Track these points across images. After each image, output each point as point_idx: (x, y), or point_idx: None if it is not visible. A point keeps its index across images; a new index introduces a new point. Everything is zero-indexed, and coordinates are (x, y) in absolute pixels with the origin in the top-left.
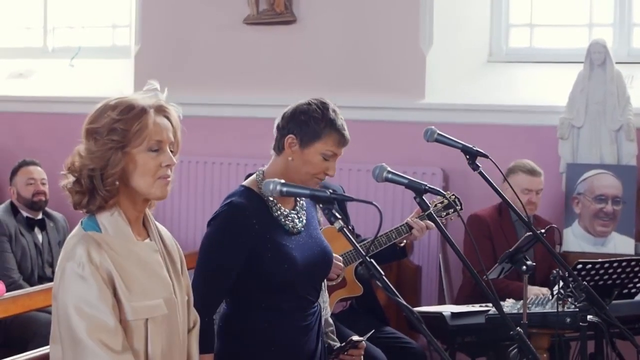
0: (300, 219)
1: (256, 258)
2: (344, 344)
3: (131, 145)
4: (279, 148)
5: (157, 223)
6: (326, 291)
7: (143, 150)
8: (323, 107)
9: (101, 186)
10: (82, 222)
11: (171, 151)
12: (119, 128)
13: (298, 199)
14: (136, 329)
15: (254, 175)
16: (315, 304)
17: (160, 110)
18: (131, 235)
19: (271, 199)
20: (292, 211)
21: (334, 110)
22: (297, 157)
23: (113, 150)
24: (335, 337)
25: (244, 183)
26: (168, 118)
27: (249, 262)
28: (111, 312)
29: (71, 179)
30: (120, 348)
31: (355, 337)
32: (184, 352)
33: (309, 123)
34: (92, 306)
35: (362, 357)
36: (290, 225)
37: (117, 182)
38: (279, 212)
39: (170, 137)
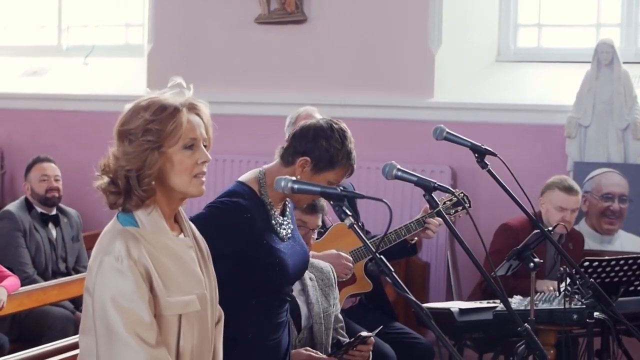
0: (289, 225)
1: (248, 260)
2: (352, 339)
3: (167, 145)
4: (289, 161)
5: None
6: (336, 288)
7: (178, 148)
8: (343, 136)
9: (137, 187)
10: (118, 216)
11: (204, 146)
12: (154, 128)
13: (287, 203)
14: (169, 323)
15: (255, 175)
16: (288, 302)
17: (192, 108)
18: (168, 231)
19: (270, 203)
20: (284, 218)
21: (351, 140)
22: (304, 178)
23: (149, 151)
24: (344, 333)
25: (247, 182)
26: (199, 115)
27: (236, 263)
28: (147, 307)
29: (105, 179)
30: (154, 342)
31: (364, 333)
32: (212, 346)
33: (329, 151)
34: (129, 300)
35: (371, 352)
36: (283, 233)
37: (154, 182)
38: (275, 219)
39: (203, 133)
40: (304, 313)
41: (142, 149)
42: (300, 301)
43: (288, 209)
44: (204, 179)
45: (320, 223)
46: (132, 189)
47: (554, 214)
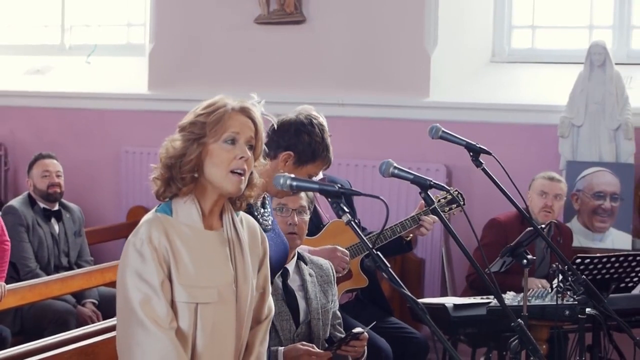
0: (269, 217)
1: None
2: (344, 335)
3: (208, 137)
4: (270, 155)
5: (246, 217)
6: (335, 285)
7: (219, 142)
8: (323, 130)
9: (178, 175)
10: (159, 205)
11: (251, 146)
12: (199, 121)
13: (266, 195)
14: (185, 311)
15: None
16: None
17: (244, 110)
18: (199, 222)
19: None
20: (263, 209)
21: (328, 133)
22: (287, 171)
23: (191, 142)
24: (342, 330)
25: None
26: (250, 118)
27: None
28: (162, 291)
29: (158, 171)
30: (167, 325)
31: (356, 329)
32: (240, 343)
33: (311, 145)
34: (145, 282)
35: (365, 348)
36: (265, 224)
37: (195, 174)
38: (258, 211)
39: (249, 133)
40: (303, 308)
41: (186, 139)
42: (299, 296)
43: (267, 202)
44: (243, 177)
45: (303, 203)
46: (172, 177)
47: (537, 200)
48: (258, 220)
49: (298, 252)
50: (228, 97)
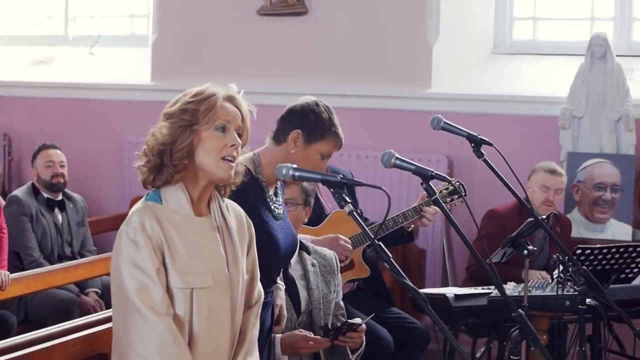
0: (281, 206)
1: None
2: (339, 325)
3: (199, 124)
4: (281, 139)
5: (231, 204)
6: (339, 275)
7: (210, 129)
8: (329, 111)
9: (169, 162)
10: (147, 194)
11: (239, 135)
12: (190, 108)
13: (278, 185)
14: (181, 297)
15: (249, 156)
16: (274, 285)
17: (231, 99)
18: (189, 210)
19: (265, 182)
20: (275, 197)
21: (335, 115)
22: (298, 152)
23: (182, 128)
24: (344, 320)
25: (242, 162)
26: (237, 106)
27: None
28: (157, 278)
29: (143, 159)
30: (164, 312)
31: (353, 320)
32: (235, 327)
33: (317, 123)
34: (141, 270)
35: (363, 338)
36: (276, 212)
37: (186, 160)
38: (269, 197)
39: (238, 121)
40: (304, 297)
41: (177, 126)
42: (301, 285)
43: (280, 191)
44: (233, 164)
45: (294, 196)
46: (164, 164)
47: (538, 193)
48: (269, 208)
49: (301, 242)
50: (215, 86)
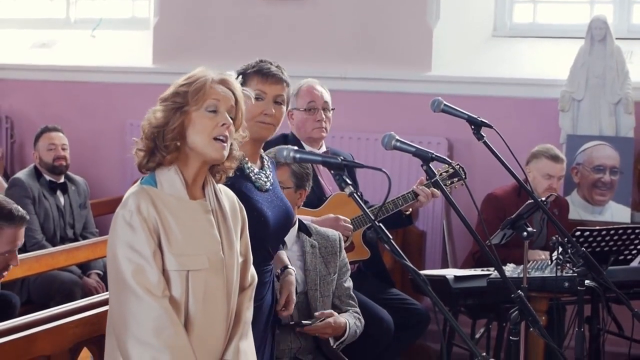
0: (269, 178)
1: None
2: (309, 321)
3: (190, 105)
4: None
5: (224, 188)
6: (342, 256)
7: (201, 110)
8: (262, 60)
9: (161, 143)
10: (142, 178)
11: (232, 118)
12: (182, 91)
13: (265, 159)
14: (177, 279)
15: None
16: (271, 262)
17: (223, 82)
18: (183, 192)
19: (243, 156)
20: (261, 170)
21: (270, 63)
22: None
23: (173, 111)
24: (358, 315)
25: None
26: (230, 89)
27: None
28: (154, 260)
29: (140, 144)
30: (160, 294)
31: (318, 313)
32: (230, 309)
33: (246, 69)
34: (137, 252)
35: (347, 329)
36: (260, 182)
37: (178, 142)
38: (249, 170)
39: (229, 102)
40: (300, 278)
41: (169, 109)
42: (297, 266)
43: (266, 164)
44: (225, 144)
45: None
46: (157, 146)
47: (542, 181)
48: (251, 180)
49: (301, 222)
50: (208, 70)
